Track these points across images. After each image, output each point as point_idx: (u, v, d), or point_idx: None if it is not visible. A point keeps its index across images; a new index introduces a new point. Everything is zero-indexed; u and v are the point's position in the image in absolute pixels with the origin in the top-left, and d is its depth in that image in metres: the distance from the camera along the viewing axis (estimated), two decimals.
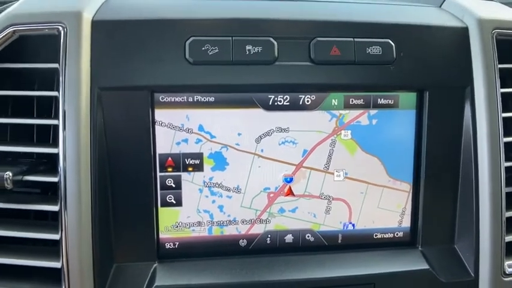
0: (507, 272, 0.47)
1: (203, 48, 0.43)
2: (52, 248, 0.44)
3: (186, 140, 0.46)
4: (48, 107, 0.47)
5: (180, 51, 0.43)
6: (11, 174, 0.41)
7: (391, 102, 0.48)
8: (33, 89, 0.47)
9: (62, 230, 0.42)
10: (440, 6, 0.53)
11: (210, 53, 0.43)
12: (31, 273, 0.44)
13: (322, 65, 0.45)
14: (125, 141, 0.44)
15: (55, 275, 0.43)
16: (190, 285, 0.44)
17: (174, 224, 0.47)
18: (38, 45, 0.45)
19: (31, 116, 0.47)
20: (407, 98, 0.48)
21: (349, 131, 0.48)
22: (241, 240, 0.48)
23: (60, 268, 0.42)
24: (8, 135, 0.47)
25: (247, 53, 0.44)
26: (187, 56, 0.43)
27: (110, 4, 0.45)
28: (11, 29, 0.42)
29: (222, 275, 0.45)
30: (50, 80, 0.45)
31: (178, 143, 0.45)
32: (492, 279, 0.47)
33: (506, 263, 0.48)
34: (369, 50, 0.45)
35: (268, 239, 0.48)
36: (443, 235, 0.50)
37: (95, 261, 0.42)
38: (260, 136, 0.47)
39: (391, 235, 0.50)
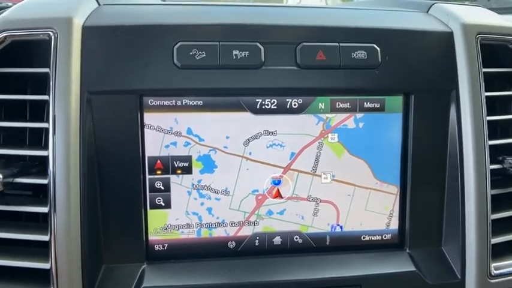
0: (493, 274, 0.48)
1: (191, 53, 0.44)
2: (42, 250, 0.44)
3: (174, 143, 0.46)
4: (42, 112, 0.48)
5: (168, 56, 0.44)
6: (1, 176, 0.42)
7: (377, 105, 0.49)
8: (25, 94, 0.48)
9: (51, 232, 0.42)
10: (427, 12, 0.54)
11: (198, 58, 0.44)
12: (21, 275, 0.44)
13: (308, 69, 0.46)
14: (114, 144, 0.45)
15: (45, 276, 0.43)
16: (178, 287, 0.45)
17: (163, 226, 0.47)
18: (30, 50, 0.46)
19: (24, 121, 0.48)
20: (394, 102, 0.49)
21: (336, 134, 0.48)
22: (229, 242, 0.49)
23: (49, 269, 0.43)
24: (1, 138, 0.48)
25: (234, 57, 0.45)
26: (175, 60, 0.44)
27: (100, 10, 0.47)
28: (2, 34, 0.43)
29: (211, 277, 0.46)
30: (43, 84, 0.46)
31: (167, 146, 0.46)
32: (478, 281, 0.48)
33: (493, 265, 0.48)
34: (354, 55, 0.46)
35: (257, 241, 0.49)
36: (431, 237, 0.50)
37: (84, 262, 0.43)
38: (248, 139, 0.47)
39: (379, 237, 0.51)
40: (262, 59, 0.45)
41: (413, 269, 0.48)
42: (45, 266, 0.43)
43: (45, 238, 0.43)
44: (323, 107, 0.48)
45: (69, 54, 0.43)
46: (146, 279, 0.44)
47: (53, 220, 0.42)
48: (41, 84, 0.47)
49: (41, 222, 0.46)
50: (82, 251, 0.43)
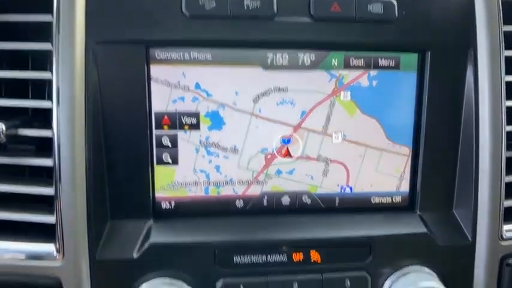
0: (505, 237, 0.47)
1: (200, 2, 0.42)
2: (46, 206, 0.43)
3: (182, 98, 0.45)
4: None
5: (176, 5, 0.42)
6: (4, 127, 0.40)
7: (392, 63, 0.47)
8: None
9: (55, 185, 0.41)
10: None
11: (208, 7, 0.42)
12: (25, 230, 0.44)
13: (322, 21, 0.44)
14: (120, 98, 0.43)
15: (49, 231, 0.42)
16: (184, 242, 0.44)
17: (170, 183, 0.46)
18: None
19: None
20: (409, 60, 0.47)
21: (349, 92, 0.47)
22: (237, 201, 0.48)
23: (54, 224, 0.42)
24: (3, 91, 0.46)
25: (246, 7, 0.43)
26: (183, 9, 0.42)
27: None
28: None
29: (218, 234, 0.45)
30: (45, 37, 0.44)
31: (174, 101, 0.45)
32: (489, 243, 0.47)
33: (504, 227, 0.47)
34: (370, 8, 0.44)
35: (265, 200, 0.48)
36: (442, 200, 0.49)
37: (89, 216, 0.42)
38: (258, 95, 0.46)
39: (389, 199, 0.50)
40: (275, 9, 0.43)
41: (424, 230, 0.47)
42: (50, 220, 0.42)
43: (51, 192, 0.42)
44: (336, 64, 0.46)
45: (73, 1, 0.41)
46: (153, 234, 0.44)
47: (58, 173, 0.41)
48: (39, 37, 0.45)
49: (45, 177, 0.45)
50: (88, 205, 0.42)
